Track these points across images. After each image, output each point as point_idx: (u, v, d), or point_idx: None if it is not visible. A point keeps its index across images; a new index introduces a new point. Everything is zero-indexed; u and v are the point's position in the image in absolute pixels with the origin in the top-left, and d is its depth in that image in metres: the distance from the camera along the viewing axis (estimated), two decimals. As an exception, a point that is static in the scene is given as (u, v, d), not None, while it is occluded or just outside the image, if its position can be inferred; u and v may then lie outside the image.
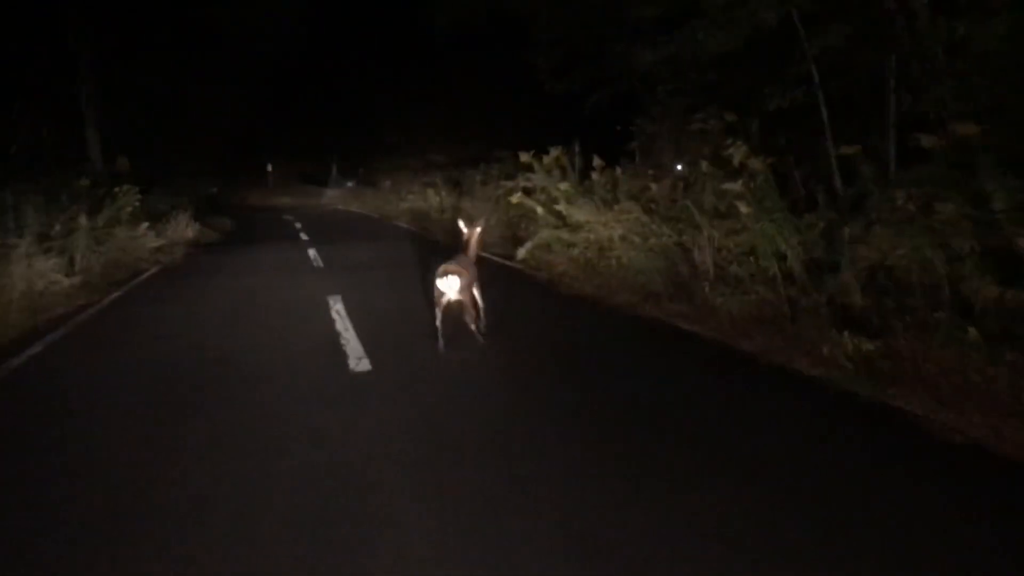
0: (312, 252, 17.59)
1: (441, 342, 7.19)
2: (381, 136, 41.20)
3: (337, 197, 50.40)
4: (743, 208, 6.89)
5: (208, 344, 8.00)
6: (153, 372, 6.89)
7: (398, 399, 5.76)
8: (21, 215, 11.24)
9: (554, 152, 11.72)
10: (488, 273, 12.68)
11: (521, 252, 11.24)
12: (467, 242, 7.96)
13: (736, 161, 7.24)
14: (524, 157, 12.36)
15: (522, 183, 14.27)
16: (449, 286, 7.09)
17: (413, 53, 34.56)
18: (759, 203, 6.84)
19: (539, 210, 11.16)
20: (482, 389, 6.07)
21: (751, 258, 7.24)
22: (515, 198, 12.01)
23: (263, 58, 37.97)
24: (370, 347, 7.43)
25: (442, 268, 7.18)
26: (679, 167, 10.38)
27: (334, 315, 9.26)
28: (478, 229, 8.11)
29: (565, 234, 10.84)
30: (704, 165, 8.26)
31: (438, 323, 7.22)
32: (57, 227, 12.84)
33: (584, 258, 10.44)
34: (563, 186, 11.30)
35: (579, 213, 10.50)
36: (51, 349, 8.24)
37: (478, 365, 6.79)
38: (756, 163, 6.97)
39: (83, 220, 12.88)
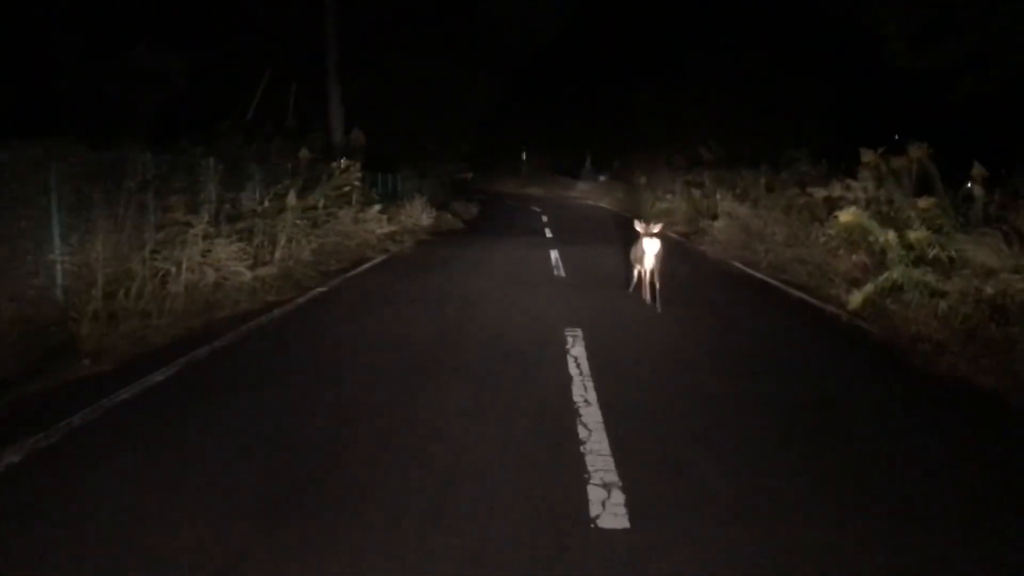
0: (554, 255, 14.82)
1: (631, 288, 9.50)
2: (640, 127, 37.88)
3: (588, 191, 48.02)
4: None
5: (370, 409, 5.24)
6: (261, 458, 4.18)
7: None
8: (209, 187, 9.28)
9: (915, 150, 7.89)
10: (791, 319, 9.24)
11: (856, 299, 7.55)
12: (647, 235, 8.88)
13: None
14: (868, 156, 8.62)
15: (841, 191, 10.52)
16: (653, 246, 8.65)
17: (686, 29, 30.91)
18: None
19: (890, 237, 7.42)
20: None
21: None
22: (845, 215, 8.36)
23: (522, 42, 36.14)
24: (625, 455, 4.29)
25: (647, 234, 8.74)
26: None
27: (572, 368, 6.24)
28: (655, 229, 8.91)
29: (929, 276, 7.09)
30: None
31: (636, 277, 9.31)
32: (265, 203, 10.93)
33: (962, 317, 6.65)
34: (923, 203, 7.54)
35: (967, 249, 6.72)
36: (178, 379, 5.88)
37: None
38: None
39: (292, 198, 10.82)
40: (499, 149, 57.67)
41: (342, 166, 12.45)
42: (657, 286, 8.80)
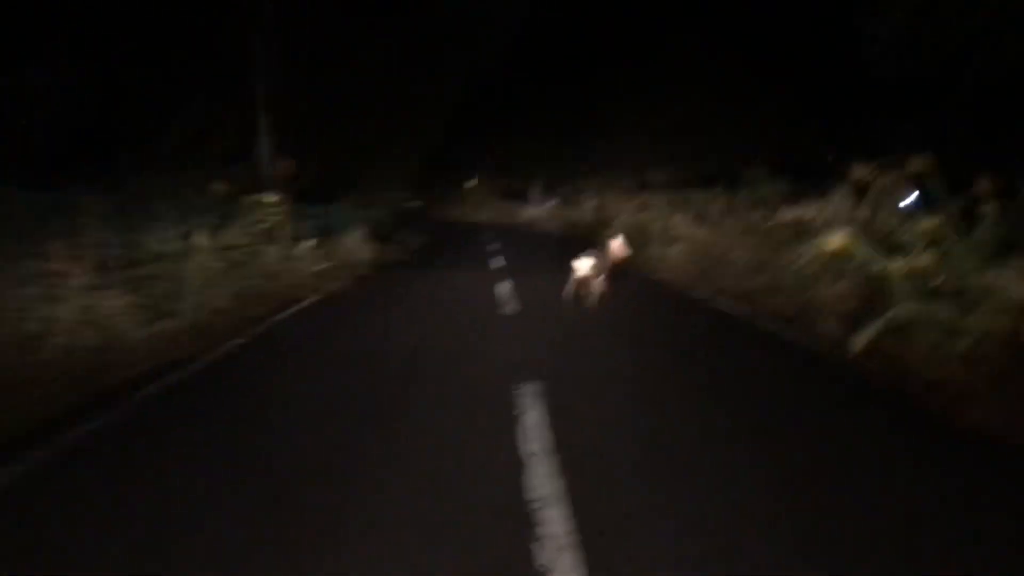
0: (504, 289, 13.64)
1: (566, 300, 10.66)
2: (589, 151, 37.05)
3: (538, 215, 47.12)
4: None
5: (245, 543, 3.97)
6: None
7: None
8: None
9: (917, 162, 6.86)
10: (777, 361, 8.14)
11: (860, 340, 6.46)
12: (607, 251, 10.71)
13: None
14: (860, 171, 7.57)
15: (814, 213, 9.56)
16: (582, 264, 10.31)
17: (635, 47, 30.07)
18: None
19: (895, 267, 6.35)
20: None
21: None
22: (834, 240, 7.31)
23: (469, 65, 35.21)
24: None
25: (583, 255, 10.49)
26: None
27: (530, 467, 4.97)
28: (618, 241, 10.96)
29: (945, 313, 6.04)
30: None
31: (570, 289, 10.59)
32: (172, 245, 9.59)
33: (988, 357, 5.61)
34: (927, 224, 6.54)
35: (992, 281, 5.69)
36: (19, 486, 4.53)
37: None
38: None
39: (203, 239, 9.50)
40: (448, 176, 56.71)
41: (262, 200, 11.09)
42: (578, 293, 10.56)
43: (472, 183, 60.61)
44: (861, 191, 8.27)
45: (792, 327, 9.04)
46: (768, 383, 6.85)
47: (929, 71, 8.64)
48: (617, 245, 10.76)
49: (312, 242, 13.88)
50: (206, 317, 9.38)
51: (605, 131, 33.78)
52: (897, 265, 6.33)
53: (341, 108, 24.53)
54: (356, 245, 17.26)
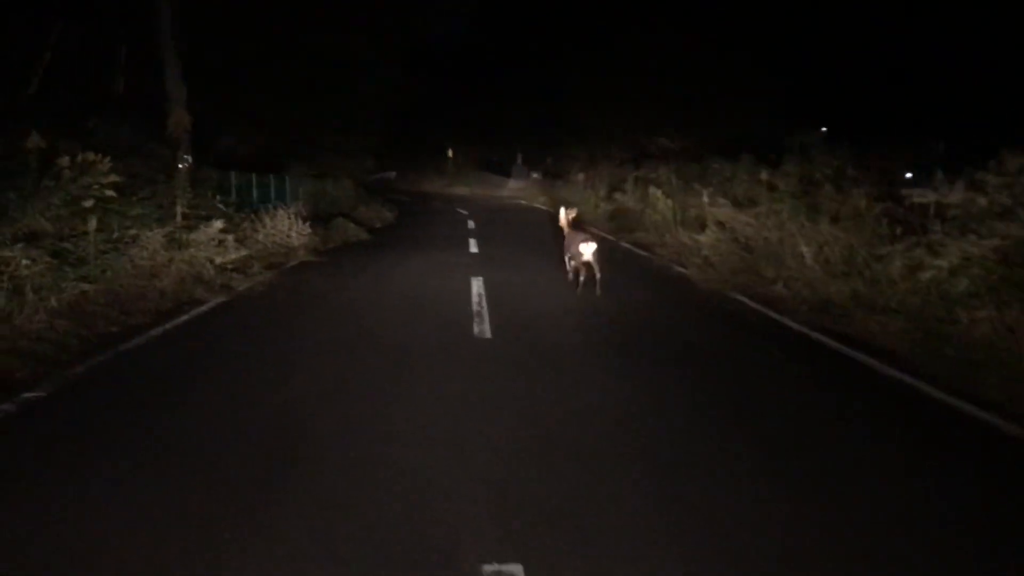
0: (477, 288, 10.08)
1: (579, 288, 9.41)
2: (574, 118, 33.23)
3: (520, 189, 43.48)
4: None
5: None
6: None
7: None
8: None
9: None
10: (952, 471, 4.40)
11: None
12: (578, 222, 10.38)
13: None
14: None
15: (962, 195, 6.06)
16: (588, 249, 9.24)
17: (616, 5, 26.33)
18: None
19: None
20: None
21: None
22: None
23: (445, 22, 31.20)
24: None
25: (583, 236, 9.46)
26: None
27: None
28: (573, 212, 10.37)
29: None
30: None
31: (571, 276, 9.76)
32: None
33: None
34: None
35: None
36: None
37: None
38: None
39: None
40: (423, 146, 52.74)
41: (77, 164, 7.16)
42: (598, 276, 9.32)
43: (451, 154, 56.52)
44: None
45: (925, 374, 5.54)
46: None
47: None
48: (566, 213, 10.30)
49: (217, 223, 10.17)
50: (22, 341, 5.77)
51: (590, 97, 29.82)
52: None
53: (291, 71, 20.72)
54: (283, 227, 13.49)
